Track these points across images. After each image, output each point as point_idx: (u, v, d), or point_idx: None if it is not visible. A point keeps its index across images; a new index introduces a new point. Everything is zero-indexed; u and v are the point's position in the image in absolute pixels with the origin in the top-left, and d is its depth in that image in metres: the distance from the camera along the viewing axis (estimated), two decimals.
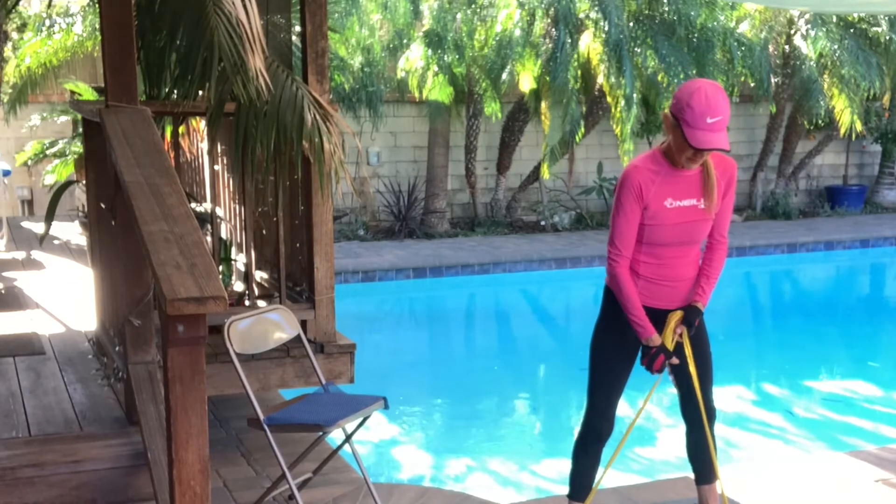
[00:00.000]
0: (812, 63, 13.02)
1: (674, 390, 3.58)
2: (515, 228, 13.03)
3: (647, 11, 12.19)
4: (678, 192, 3.26)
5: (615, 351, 3.45)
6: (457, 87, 12.20)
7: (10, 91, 11.12)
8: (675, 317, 3.33)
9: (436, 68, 11.80)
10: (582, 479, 3.54)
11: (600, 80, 11.68)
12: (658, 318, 3.35)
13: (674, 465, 5.57)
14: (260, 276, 5.01)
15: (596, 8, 11.64)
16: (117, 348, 4.13)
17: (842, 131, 13.07)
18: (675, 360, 3.34)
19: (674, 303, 3.38)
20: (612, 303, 3.45)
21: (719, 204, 3.33)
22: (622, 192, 3.27)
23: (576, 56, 11.74)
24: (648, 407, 5.85)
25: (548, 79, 11.65)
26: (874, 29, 13.10)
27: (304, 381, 4.43)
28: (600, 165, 13.70)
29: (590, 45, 11.69)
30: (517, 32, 11.72)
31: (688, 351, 3.37)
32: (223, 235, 5.53)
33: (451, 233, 12.61)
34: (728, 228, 3.44)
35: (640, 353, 3.40)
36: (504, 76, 11.81)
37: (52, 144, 9.90)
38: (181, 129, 5.02)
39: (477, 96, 12.46)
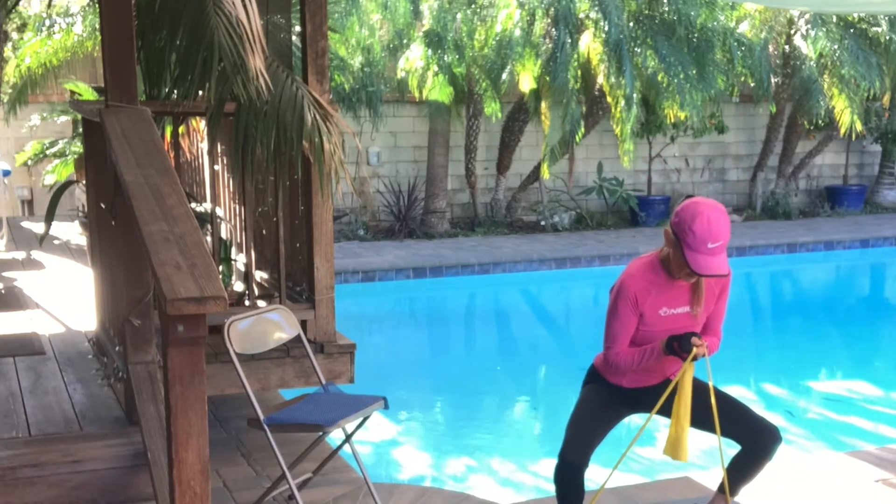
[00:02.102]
0: (812, 63, 13.02)
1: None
2: (515, 228, 13.03)
3: (647, 11, 12.19)
4: (672, 301, 3.34)
5: (598, 414, 3.49)
6: (457, 87, 12.20)
7: (10, 91, 11.12)
8: (689, 369, 3.34)
9: (436, 68, 11.80)
10: (569, 500, 3.54)
11: (600, 80, 11.68)
12: (640, 395, 3.43)
13: (674, 465, 5.55)
14: (260, 276, 5.01)
15: (596, 8, 11.64)
16: (117, 348, 4.13)
17: (842, 131, 13.07)
18: (698, 342, 3.28)
19: (651, 381, 3.47)
20: (597, 380, 3.55)
21: (710, 309, 3.41)
22: (619, 300, 3.33)
23: (576, 56, 11.74)
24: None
25: (548, 79, 11.65)
26: (874, 29, 13.10)
27: (304, 381, 4.43)
28: (600, 165, 13.70)
29: (590, 45, 11.69)
30: (517, 32, 11.72)
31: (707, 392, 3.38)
32: (223, 235, 5.53)
33: (451, 233, 12.61)
34: (721, 327, 3.50)
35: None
36: (504, 76, 11.81)
37: (52, 144, 9.90)
38: (181, 129, 5.02)
39: (477, 96, 12.46)
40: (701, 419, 3.38)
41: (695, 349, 3.25)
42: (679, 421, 3.37)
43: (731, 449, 3.49)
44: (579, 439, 3.43)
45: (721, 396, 3.43)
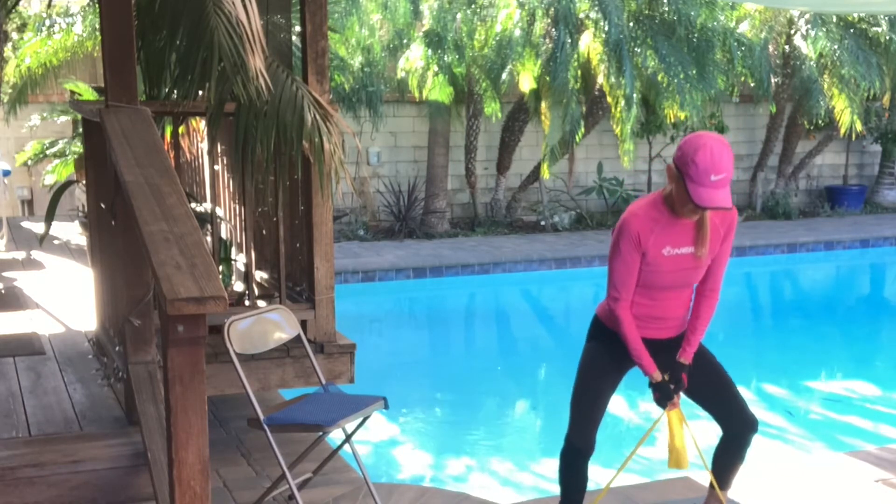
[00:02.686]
0: (812, 63, 13.02)
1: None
2: (515, 228, 13.03)
3: (647, 11, 12.19)
4: (676, 240, 3.28)
5: (599, 374, 3.48)
6: (457, 87, 12.20)
7: (10, 91, 11.11)
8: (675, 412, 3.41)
9: (436, 68, 11.80)
10: (570, 493, 3.54)
11: (600, 80, 11.68)
12: (648, 345, 3.39)
13: None
14: (260, 276, 5.01)
15: (596, 8, 11.64)
16: (117, 348, 4.13)
17: (842, 131, 13.07)
18: (676, 403, 3.38)
19: (665, 333, 3.44)
20: (600, 333, 3.50)
21: (715, 251, 3.35)
22: (621, 239, 3.28)
23: (576, 56, 11.74)
24: (649, 407, 5.85)
25: (548, 79, 11.65)
26: (874, 29, 13.10)
27: (304, 381, 4.43)
28: (600, 165, 13.70)
29: (590, 45, 11.69)
30: (517, 32, 11.72)
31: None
32: (223, 235, 5.53)
33: (451, 233, 12.61)
34: (722, 279, 3.45)
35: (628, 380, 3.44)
36: (504, 76, 11.81)
37: (52, 144, 9.90)
38: (181, 129, 5.02)
39: (477, 96, 12.46)
40: (694, 389, 3.41)
41: (666, 411, 3.38)
42: (673, 436, 3.42)
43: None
44: (582, 420, 3.43)
45: (717, 371, 3.44)
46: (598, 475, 3.57)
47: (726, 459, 3.51)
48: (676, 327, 3.43)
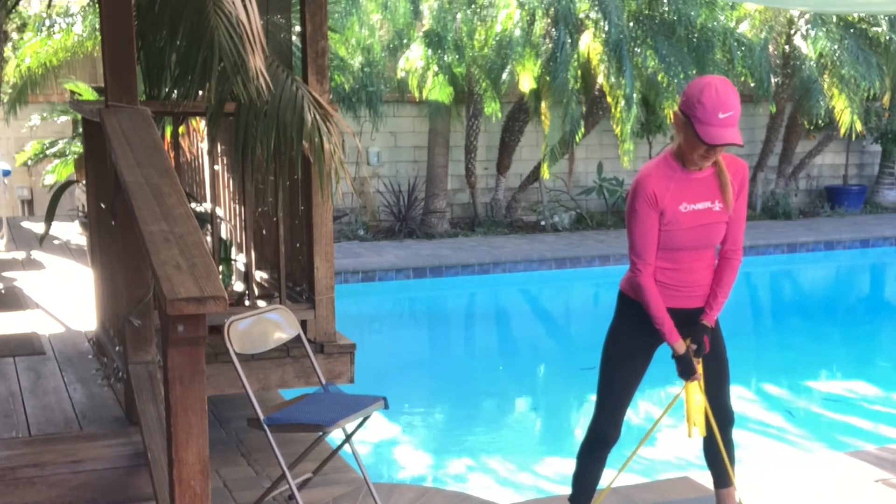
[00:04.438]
0: (812, 63, 13.02)
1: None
2: (515, 228, 13.03)
3: (647, 11, 12.19)
4: (692, 196, 3.24)
5: (628, 356, 3.42)
6: (457, 87, 12.20)
7: (10, 91, 11.12)
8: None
9: (436, 68, 11.80)
10: (585, 484, 3.53)
11: (600, 80, 11.68)
12: (674, 316, 3.33)
13: (674, 465, 5.57)
14: (260, 276, 5.01)
15: (596, 8, 11.64)
16: (117, 348, 4.13)
17: (842, 131, 13.07)
18: (697, 375, 3.33)
19: (691, 302, 3.37)
20: (627, 308, 3.43)
21: (734, 204, 3.30)
22: (637, 200, 3.22)
23: (576, 56, 11.74)
24: (649, 408, 5.86)
25: (548, 79, 11.65)
26: (874, 29, 13.10)
27: (304, 381, 4.43)
28: (600, 165, 13.70)
29: (590, 45, 11.69)
30: (517, 32, 11.72)
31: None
32: (223, 235, 5.53)
33: (451, 233, 12.61)
34: (742, 239, 3.41)
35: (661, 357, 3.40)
36: (504, 76, 11.81)
37: (52, 144, 9.90)
38: (181, 129, 5.02)
39: (477, 96, 12.46)
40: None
41: (687, 383, 3.32)
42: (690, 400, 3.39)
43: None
44: (610, 404, 3.41)
45: (720, 362, 3.44)
46: (603, 476, 3.57)
47: (711, 455, 3.52)
48: (702, 296, 3.37)
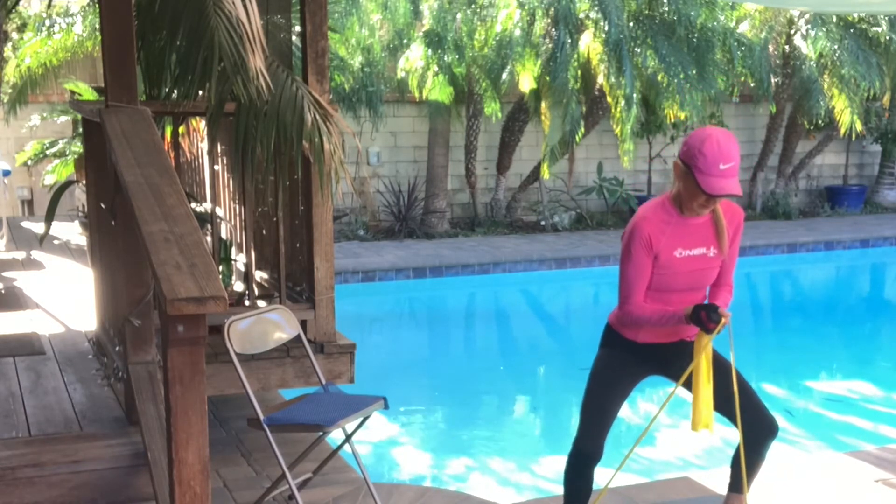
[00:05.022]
0: (812, 63, 13.02)
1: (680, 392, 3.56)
2: (515, 228, 13.03)
3: (647, 11, 12.19)
4: (688, 242, 3.27)
5: (612, 382, 3.44)
6: (457, 87, 12.20)
7: (10, 91, 11.12)
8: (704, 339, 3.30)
9: (436, 68, 11.80)
10: (576, 499, 3.53)
11: (600, 80, 11.68)
12: (655, 352, 3.36)
13: (674, 465, 5.57)
14: (260, 276, 5.01)
15: (596, 8, 11.64)
16: (117, 348, 4.13)
17: (842, 131, 13.07)
18: (726, 313, 3.24)
19: (670, 337, 3.39)
20: (613, 340, 3.46)
21: (728, 249, 3.34)
22: (632, 243, 3.25)
23: (576, 56, 11.74)
24: (649, 408, 5.86)
25: (548, 79, 11.65)
26: (874, 29, 13.10)
27: (304, 381, 4.43)
28: (600, 165, 13.70)
29: (590, 45, 11.69)
30: (517, 32, 11.72)
31: (706, 370, 3.34)
32: (223, 235, 5.53)
33: (451, 233, 12.61)
34: (733, 276, 3.45)
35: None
36: (504, 76, 11.81)
37: (52, 144, 9.91)
38: (181, 129, 5.02)
39: (477, 96, 12.46)
40: (719, 401, 3.36)
41: (724, 319, 3.18)
42: (699, 393, 3.31)
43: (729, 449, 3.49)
44: (593, 426, 3.40)
45: (728, 371, 3.40)
46: (598, 475, 3.56)
47: (737, 458, 3.49)
48: (680, 332, 3.40)
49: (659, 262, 3.26)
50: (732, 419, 3.39)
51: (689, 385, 3.39)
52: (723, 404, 3.37)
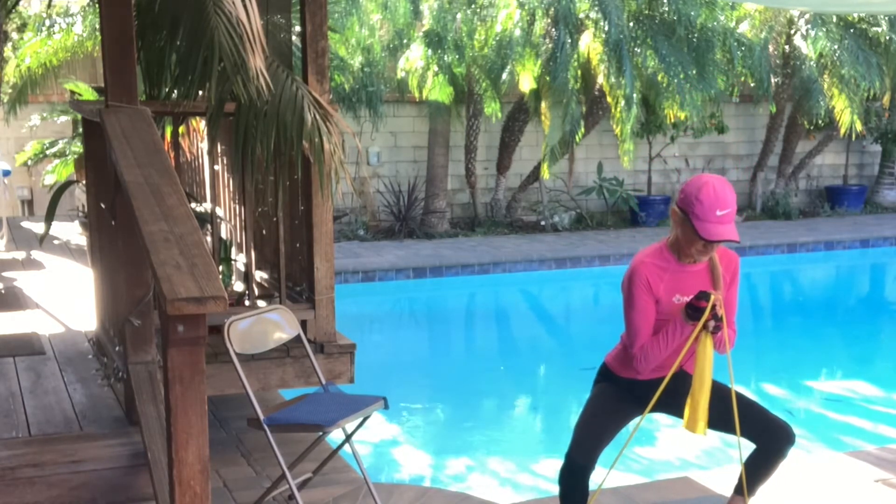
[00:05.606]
0: (812, 63, 13.03)
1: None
2: (515, 228, 13.03)
3: (647, 11, 12.19)
4: (685, 288, 3.30)
5: (608, 411, 3.46)
6: (457, 87, 12.20)
7: (10, 91, 11.12)
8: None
9: (436, 68, 11.80)
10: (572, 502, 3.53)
11: (600, 80, 11.68)
12: (651, 385, 3.34)
13: (674, 465, 5.57)
14: (260, 276, 5.01)
15: (596, 8, 11.64)
16: (117, 348, 4.13)
17: (842, 131, 13.07)
18: (718, 295, 3.23)
19: (660, 374, 3.38)
20: (609, 377, 3.50)
21: (725, 295, 3.36)
22: (633, 286, 3.28)
23: (576, 56, 11.74)
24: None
25: (548, 79, 11.65)
26: (874, 29, 13.10)
27: (304, 381, 4.43)
28: (600, 165, 13.70)
29: (590, 45, 11.69)
30: (517, 32, 11.72)
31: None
32: (223, 235, 5.53)
33: (451, 233, 12.61)
34: (735, 319, 3.45)
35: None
36: (504, 76, 11.81)
37: (52, 144, 9.91)
38: (181, 129, 5.02)
39: (477, 96, 12.46)
40: (720, 420, 3.35)
41: (713, 296, 3.18)
42: (694, 395, 3.31)
43: (733, 450, 3.48)
44: (588, 439, 3.40)
45: (739, 398, 3.41)
46: (597, 475, 3.56)
47: (759, 467, 3.46)
48: (672, 367, 3.39)
49: (658, 307, 3.30)
50: (751, 437, 3.39)
51: (673, 408, 3.40)
52: (727, 425, 3.37)
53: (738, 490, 3.54)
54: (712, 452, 5.54)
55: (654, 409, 3.49)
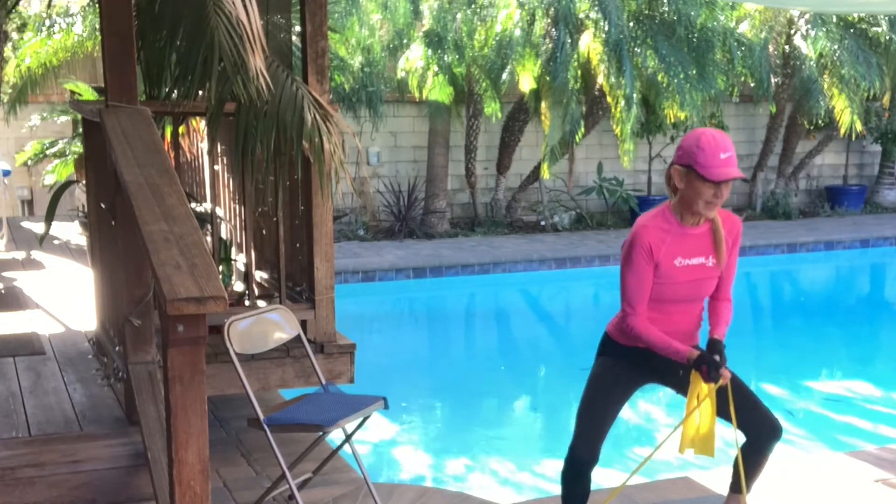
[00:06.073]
0: (812, 63, 13.03)
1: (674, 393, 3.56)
2: (515, 228, 13.03)
3: (647, 11, 12.19)
4: (687, 251, 3.29)
5: (609, 388, 3.45)
6: (457, 87, 12.20)
7: (10, 91, 11.12)
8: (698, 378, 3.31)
9: (436, 68, 11.80)
10: (574, 501, 3.53)
11: (600, 80, 11.68)
12: (656, 360, 3.35)
13: (674, 465, 5.57)
14: (260, 276, 5.01)
15: (596, 8, 11.64)
16: (117, 348, 4.13)
17: (842, 131, 13.07)
18: (726, 374, 3.26)
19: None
20: (611, 349, 3.47)
21: (727, 260, 3.35)
22: (633, 250, 3.27)
23: (576, 56, 11.74)
24: (649, 408, 5.86)
25: (548, 79, 11.65)
26: (874, 29, 13.10)
27: (304, 381, 4.43)
28: (600, 165, 13.70)
29: (590, 45, 11.69)
30: (517, 32, 11.72)
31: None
32: (223, 235, 5.53)
33: (451, 233, 12.61)
34: (732, 287, 3.45)
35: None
36: (504, 76, 11.81)
37: (52, 144, 9.90)
38: (181, 129, 5.02)
39: (477, 96, 12.46)
40: (719, 405, 3.36)
41: (721, 380, 3.21)
42: (703, 419, 3.34)
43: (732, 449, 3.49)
44: (589, 432, 3.40)
45: (736, 383, 3.40)
46: (597, 475, 3.56)
47: (747, 460, 3.48)
48: (684, 342, 3.39)
49: (659, 271, 3.27)
50: (740, 426, 3.39)
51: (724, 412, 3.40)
52: (721, 407, 3.37)
53: (734, 488, 3.54)
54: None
55: (651, 381, 3.50)
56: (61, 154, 9.59)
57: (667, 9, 12.06)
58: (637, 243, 3.26)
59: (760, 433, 3.40)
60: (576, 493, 3.49)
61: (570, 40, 11.67)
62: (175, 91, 4.32)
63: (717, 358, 3.24)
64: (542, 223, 13.10)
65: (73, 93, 9.42)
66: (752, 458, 3.44)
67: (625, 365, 3.43)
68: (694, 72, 11.72)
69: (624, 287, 3.33)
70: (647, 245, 3.25)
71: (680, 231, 3.29)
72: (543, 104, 11.84)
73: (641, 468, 3.44)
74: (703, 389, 3.31)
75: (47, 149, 9.88)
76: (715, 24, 12.16)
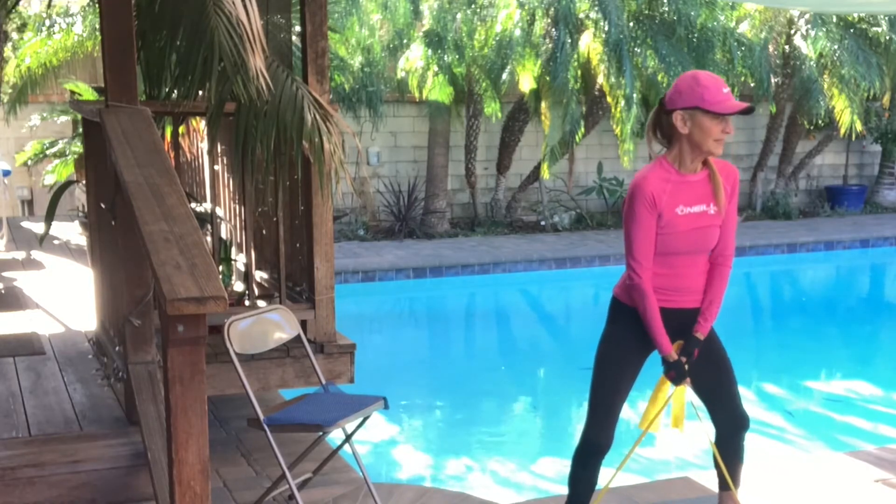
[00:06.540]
0: (812, 63, 13.02)
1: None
2: (515, 228, 13.03)
3: (647, 11, 12.19)
4: (688, 199, 3.28)
5: (620, 360, 3.42)
6: (457, 87, 12.20)
7: (10, 91, 11.12)
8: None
9: (436, 68, 11.80)
10: (581, 488, 3.53)
11: (600, 80, 11.68)
12: (667, 316, 3.33)
13: (674, 465, 5.58)
14: (260, 276, 5.01)
15: (596, 8, 11.64)
16: (117, 348, 4.13)
17: (842, 131, 13.07)
18: (687, 382, 3.34)
19: (684, 303, 3.38)
20: (620, 314, 3.43)
21: (726, 206, 3.34)
22: (635, 202, 3.26)
23: (576, 56, 11.74)
24: (648, 407, 5.81)
25: (548, 79, 11.65)
26: (874, 29, 13.10)
27: (304, 381, 4.43)
28: (600, 165, 13.70)
29: (590, 45, 11.69)
30: (517, 32, 11.72)
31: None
32: (223, 235, 5.53)
33: (451, 233, 12.61)
34: (733, 245, 3.43)
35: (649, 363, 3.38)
36: (504, 76, 11.81)
37: (52, 144, 9.90)
38: (181, 129, 5.02)
39: (477, 96, 12.46)
40: (697, 378, 3.39)
41: (683, 385, 3.34)
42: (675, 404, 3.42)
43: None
44: (603, 413, 3.40)
45: (723, 365, 3.42)
46: (601, 477, 3.57)
47: (724, 459, 3.49)
48: (695, 298, 3.38)
49: (662, 221, 3.25)
50: (710, 410, 3.46)
51: (702, 392, 3.44)
52: (704, 392, 3.45)
53: (722, 486, 3.55)
54: (712, 453, 5.54)
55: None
56: (61, 154, 9.59)
57: (667, 9, 12.06)
58: (639, 194, 3.25)
59: (731, 426, 3.45)
60: (583, 479, 3.48)
61: (570, 40, 11.67)
62: (175, 91, 4.32)
63: (685, 363, 3.31)
64: (542, 223, 13.10)
65: (73, 93, 9.42)
66: (726, 452, 3.48)
67: (633, 332, 3.38)
68: None
69: (629, 243, 3.31)
70: (649, 195, 3.24)
71: (679, 179, 3.29)
72: (543, 104, 11.84)
73: (623, 466, 3.45)
74: (668, 386, 3.39)
75: (47, 149, 9.88)
76: (715, 24, 12.16)
